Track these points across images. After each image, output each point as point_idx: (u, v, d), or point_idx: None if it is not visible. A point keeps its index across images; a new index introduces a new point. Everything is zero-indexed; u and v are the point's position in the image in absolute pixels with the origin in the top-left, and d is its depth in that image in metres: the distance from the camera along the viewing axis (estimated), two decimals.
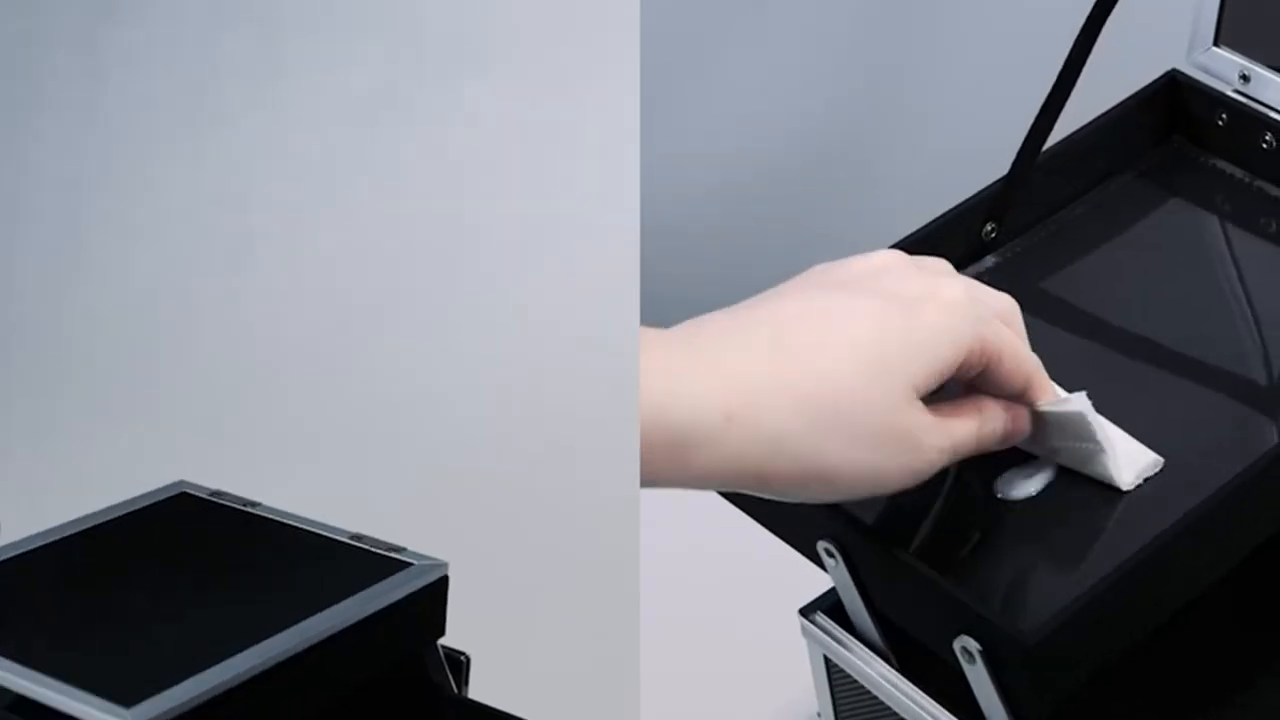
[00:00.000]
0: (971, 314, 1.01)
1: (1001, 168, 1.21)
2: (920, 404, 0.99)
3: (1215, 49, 1.29)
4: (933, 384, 0.99)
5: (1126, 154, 1.28)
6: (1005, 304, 1.05)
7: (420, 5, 2.32)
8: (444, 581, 1.32)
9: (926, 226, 1.19)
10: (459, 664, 1.36)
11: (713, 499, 1.12)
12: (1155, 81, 1.29)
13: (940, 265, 1.05)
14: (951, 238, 1.20)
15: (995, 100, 1.67)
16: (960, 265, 1.21)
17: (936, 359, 0.98)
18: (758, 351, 0.96)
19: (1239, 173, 1.27)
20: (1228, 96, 1.28)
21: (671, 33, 2.04)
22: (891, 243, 1.18)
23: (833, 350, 0.96)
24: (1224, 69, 1.28)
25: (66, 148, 2.50)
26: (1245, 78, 1.27)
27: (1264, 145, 1.25)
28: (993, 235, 1.22)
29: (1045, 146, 1.21)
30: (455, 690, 1.37)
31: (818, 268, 1.04)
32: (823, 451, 0.96)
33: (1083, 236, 1.24)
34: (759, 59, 2.06)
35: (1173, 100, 1.29)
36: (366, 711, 1.34)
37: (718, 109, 2.08)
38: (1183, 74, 1.29)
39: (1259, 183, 1.26)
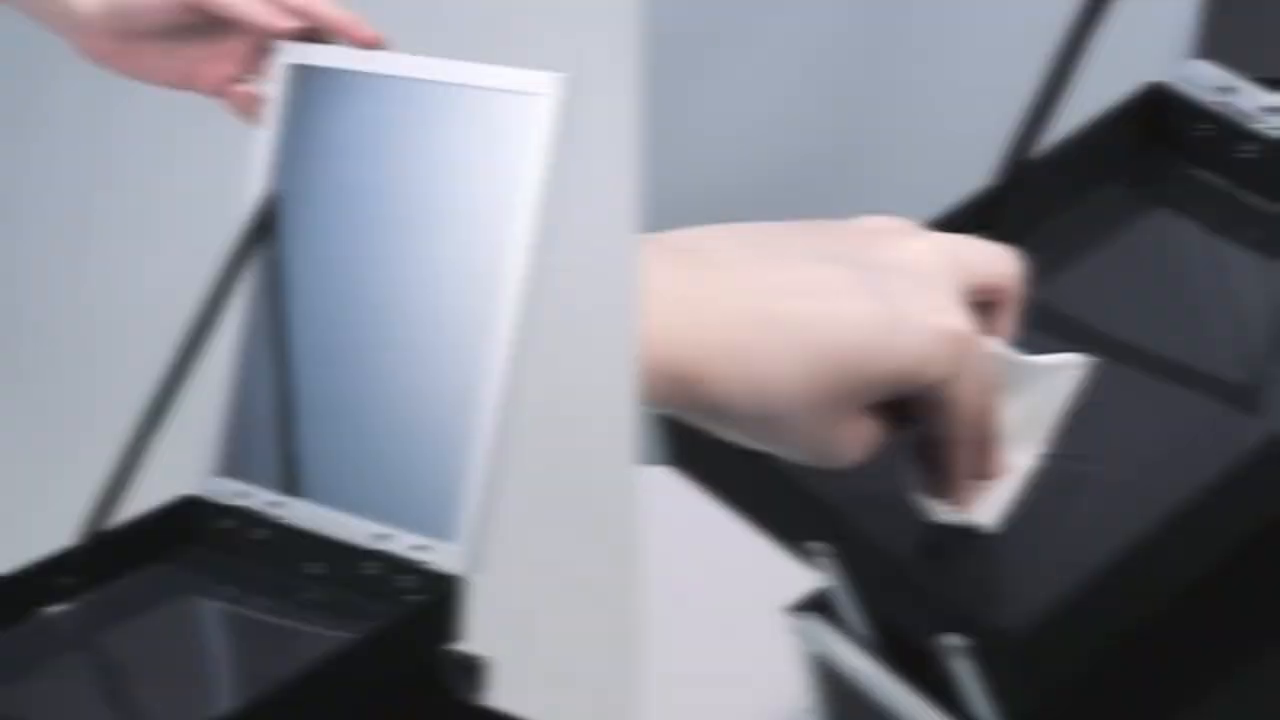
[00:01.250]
0: (960, 363, 0.99)
1: (986, 178, 1.24)
2: (852, 416, 0.99)
3: (1198, 60, 1.31)
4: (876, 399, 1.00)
5: (1110, 164, 1.30)
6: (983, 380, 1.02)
7: (414, 5, 2.33)
8: (459, 587, 1.33)
9: None
10: (476, 668, 1.39)
11: (704, 501, 1.15)
12: (1138, 92, 1.31)
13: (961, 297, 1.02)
14: None
15: (980, 111, 1.68)
16: None
17: (889, 388, 0.99)
18: (738, 324, 0.97)
19: (1221, 182, 1.30)
20: (1209, 107, 1.30)
21: (670, 35, 2.06)
22: None
23: (801, 344, 0.97)
24: (1206, 80, 1.30)
25: (74, 143, 2.50)
26: (1228, 89, 1.30)
27: (1246, 155, 1.28)
28: None
29: (1029, 157, 1.24)
30: (471, 696, 1.39)
31: (868, 225, 1.05)
32: (758, 434, 0.99)
33: (1067, 246, 1.26)
34: (753, 66, 2.07)
35: (1156, 111, 1.31)
36: (381, 717, 1.36)
37: (711, 114, 2.09)
38: (1166, 85, 1.31)
39: (1241, 193, 1.29)
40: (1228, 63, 1.30)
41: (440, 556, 1.34)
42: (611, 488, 1.91)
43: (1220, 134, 1.29)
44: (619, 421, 1.97)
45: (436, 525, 1.34)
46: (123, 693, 1.32)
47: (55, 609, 1.37)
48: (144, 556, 1.43)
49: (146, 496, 1.42)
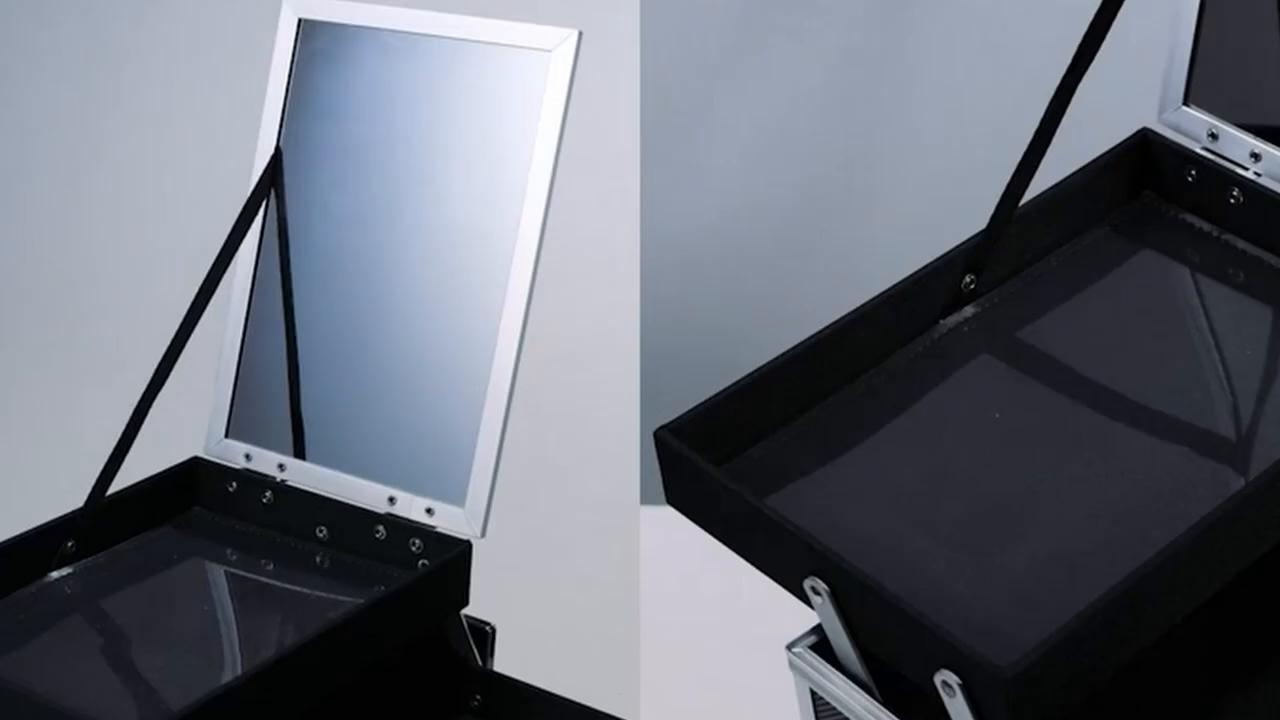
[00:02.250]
0: None
1: (980, 222, 1.26)
2: None
3: (1185, 108, 1.34)
4: None
5: (1100, 209, 1.33)
6: None
7: None
8: (467, 552, 1.32)
9: (909, 278, 1.24)
10: (484, 635, 1.36)
11: (707, 540, 1.17)
12: (1127, 139, 1.34)
13: None
14: (933, 288, 1.25)
15: (975, 157, 1.70)
16: (940, 315, 1.26)
17: None
18: None
19: (1207, 226, 1.32)
20: (1197, 153, 1.32)
21: (668, 99, 2.08)
22: (876, 292, 1.23)
23: None
24: (1193, 127, 1.33)
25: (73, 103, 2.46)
26: (1214, 135, 1.32)
27: (1231, 200, 1.30)
28: (972, 286, 1.27)
29: (1022, 202, 1.26)
30: (480, 661, 1.37)
31: None
32: None
33: (1058, 288, 1.29)
34: (751, 121, 2.09)
35: (1144, 157, 1.34)
36: (390, 684, 1.34)
37: (715, 164, 2.11)
38: (1154, 132, 1.34)
39: (1226, 235, 1.31)
40: (1215, 109, 1.33)
41: (448, 520, 1.33)
42: (614, 525, 1.91)
43: (1206, 180, 1.32)
44: (623, 458, 1.98)
45: (445, 489, 1.33)
46: (127, 658, 1.30)
47: (60, 574, 1.36)
48: (149, 520, 1.41)
49: (152, 459, 1.41)
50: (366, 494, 1.37)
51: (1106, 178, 1.33)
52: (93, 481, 1.37)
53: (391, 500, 1.36)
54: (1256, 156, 1.30)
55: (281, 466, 1.42)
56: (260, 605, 1.36)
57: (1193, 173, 1.32)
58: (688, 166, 2.10)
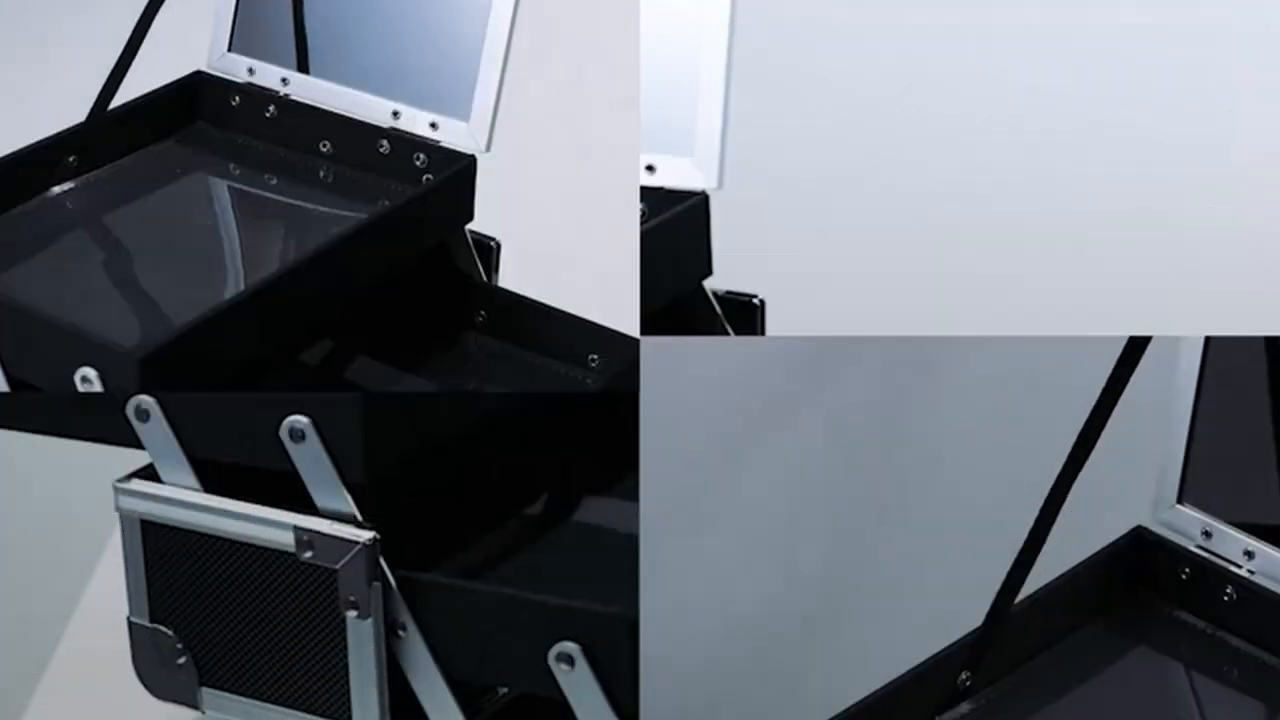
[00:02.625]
0: None
1: (976, 619, 1.28)
2: None
3: (1179, 507, 1.36)
4: None
5: (1094, 606, 1.34)
6: None
7: None
8: (472, 166, 1.30)
9: (905, 675, 1.25)
10: (488, 250, 1.33)
11: None
12: (1121, 537, 1.36)
13: None
14: (928, 685, 1.26)
15: (971, 555, 1.72)
16: (936, 712, 1.27)
17: None
18: None
19: (1202, 624, 1.33)
20: (1191, 551, 1.35)
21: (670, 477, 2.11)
22: (874, 689, 1.24)
23: None
24: (1187, 526, 1.36)
25: None
26: (1207, 534, 1.35)
27: (1225, 598, 1.32)
28: (968, 683, 1.28)
29: (1018, 599, 1.28)
30: (484, 277, 1.33)
31: None
32: None
33: (1053, 685, 1.29)
34: (750, 520, 2.11)
35: (1138, 555, 1.36)
36: (395, 300, 1.30)
37: (715, 560, 2.12)
38: (1148, 530, 1.37)
39: (1221, 633, 1.32)
40: (1208, 508, 1.35)
41: (453, 135, 1.31)
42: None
43: (1200, 578, 1.34)
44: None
45: (450, 103, 1.31)
46: (129, 274, 1.27)
47: (61, 188, 1.32)
48: (151, 134, 1.38)
49: (153, 73, 1.37)
50: (370, 108, 1.35)
51: (1101, 575, 1.35)
52: (94, 97, 1.34)
53: (396, 114, 1.34)
54: (1250, 555, 1.32)
55: (285, 80, 1.39)
56: (264, 220, 1.33)
57: (1186, 570, 1.34)
58: (688, 566, 2.12)
